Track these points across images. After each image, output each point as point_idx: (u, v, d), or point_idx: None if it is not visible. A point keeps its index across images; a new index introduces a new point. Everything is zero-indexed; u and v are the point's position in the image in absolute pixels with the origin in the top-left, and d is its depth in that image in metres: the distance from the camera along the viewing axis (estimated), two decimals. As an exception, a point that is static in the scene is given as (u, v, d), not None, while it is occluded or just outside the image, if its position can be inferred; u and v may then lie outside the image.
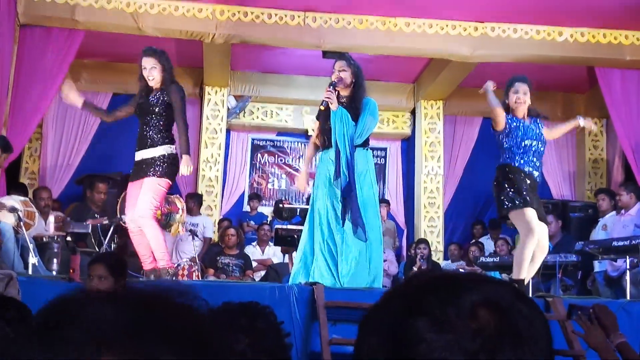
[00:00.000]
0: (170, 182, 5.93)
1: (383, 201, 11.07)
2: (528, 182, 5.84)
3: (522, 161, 5.86)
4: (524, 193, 5.74)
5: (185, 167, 5.82)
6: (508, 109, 5.97)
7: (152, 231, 5.75)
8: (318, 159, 6.05)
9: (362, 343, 0.97)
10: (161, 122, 5.82)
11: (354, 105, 5.81)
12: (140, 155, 5.86)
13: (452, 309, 0.90)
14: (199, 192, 10.30)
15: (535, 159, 5.93)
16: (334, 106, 5.70)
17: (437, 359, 0.88)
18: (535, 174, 5.93)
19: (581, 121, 6.39)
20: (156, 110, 5.80)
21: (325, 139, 5.85)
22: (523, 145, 5.87)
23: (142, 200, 5.70)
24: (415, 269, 9.35)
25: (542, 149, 6.00)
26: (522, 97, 5.92)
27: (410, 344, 0.90)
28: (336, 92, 5.77)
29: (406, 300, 0.95)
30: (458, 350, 0.88)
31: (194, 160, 10.66)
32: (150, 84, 5.89)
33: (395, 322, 0.93)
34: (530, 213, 5.73)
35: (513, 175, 5.82)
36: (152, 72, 5.85)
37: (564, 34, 8.97)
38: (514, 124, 5.89)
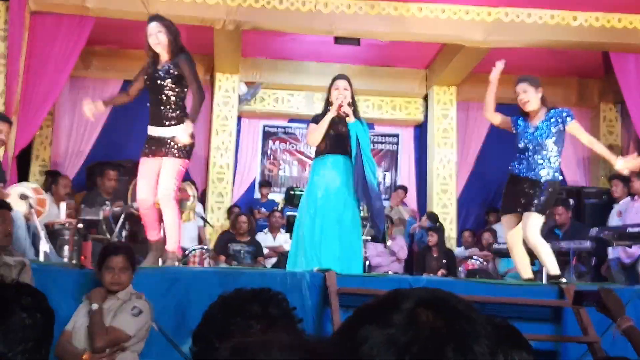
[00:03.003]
0: (188, 161, 5.78)
1: (401, 187, 11.05)
2: None
3: None
4: None
5: (184, 133, 5.45)
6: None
7: (172, 213, 5.65)
8: (327, 161, 5.99)
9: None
10: (172, 99, 5.58)
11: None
12: (156, 131, 5.62)
13: (392, 313, 1.02)
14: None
15: None
16: (351, 118, 5.88)
17: (375, 356, 0.97)
18: None
19: (619, 163, 5.55)
20: (166, 84, 5.56)
21: (328, 145, 5.94)
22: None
23: (165, 181, 5.58)
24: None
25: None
26: (522, 96, 5.63)
27: (356, 344, 1.00)
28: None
29: (363, 312, 1.07)
30: (393, 345, 0.97)
31: (205, 148, 10.67)
32: (157, 49, 5.62)
33: (347, 330, 1.05)
34: None
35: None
36: (159, 35, 5.59)
37: (578, 19, 8.87)
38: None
